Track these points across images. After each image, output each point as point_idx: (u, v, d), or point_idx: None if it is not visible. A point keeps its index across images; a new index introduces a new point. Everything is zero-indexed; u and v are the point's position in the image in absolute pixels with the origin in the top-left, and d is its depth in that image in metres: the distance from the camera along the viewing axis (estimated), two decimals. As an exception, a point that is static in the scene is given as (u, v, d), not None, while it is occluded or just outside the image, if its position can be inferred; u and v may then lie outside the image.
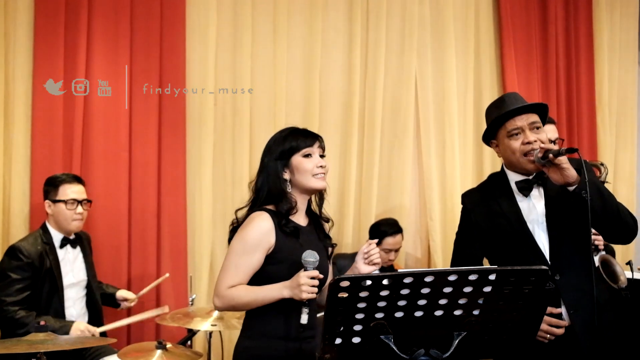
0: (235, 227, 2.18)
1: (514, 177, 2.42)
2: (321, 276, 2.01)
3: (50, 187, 3.25)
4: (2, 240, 3.51)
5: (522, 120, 2.32)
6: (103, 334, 3.18)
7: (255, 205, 2.17)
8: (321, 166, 2.15)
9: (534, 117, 2.35)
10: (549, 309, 2.24)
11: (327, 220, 2.30)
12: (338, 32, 4.36)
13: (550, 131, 3.02)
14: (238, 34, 4.09)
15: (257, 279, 2.09)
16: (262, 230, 2.07)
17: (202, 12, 4.01)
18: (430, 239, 4.47)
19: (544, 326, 2.22)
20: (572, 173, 2.19)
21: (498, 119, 2.38)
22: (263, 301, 2.05)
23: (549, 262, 2.29)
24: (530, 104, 2.36)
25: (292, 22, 4.23)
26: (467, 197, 2.57)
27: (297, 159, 2.14)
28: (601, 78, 4.91)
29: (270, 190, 2.14)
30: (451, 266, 2.53)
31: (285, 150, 2.15)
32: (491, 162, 4.60)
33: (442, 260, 4.40)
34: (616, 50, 5.02)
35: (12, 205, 3.55)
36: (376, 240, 2.26)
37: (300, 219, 2.19)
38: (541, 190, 2.38)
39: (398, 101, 4.44)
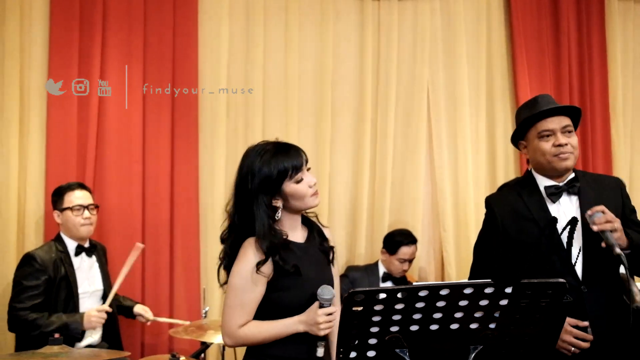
0: (223, 258, 2.09)
1: (543, 182, 2.35)
2: (335, 309, 1.95)
3: (56, 197, 3.27)
4: (17, 250, 3.53)
5: (554, 123, 2.28)
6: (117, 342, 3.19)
7: (237, 233, 2.05)
8: (314, 184, 2.05)
9: (567, 121, 2.30)
10: (576, 322, 2.19)
11: (315, 219, 2.19)
12: (349, 43, 4.38)
13: None
14: (250, 44, 4.12)
15: (262, 306, 2.02)
16: (251, 267, 1.97)
17: (215, 22, 4.05)
18: (444, 249, 4.44)
19: (569, 338, 2.17)
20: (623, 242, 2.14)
21: (529, 119, 2.32)
22: (277, 337, 1.99)
23: (579, 274, 2.23)
24: (563, 106, 2.31)
25: (303, 32, 4.25)
26: (493, 200, 2.47)
27: (289, 187, 2.00)
28: (615, 88, 4.87)
29: (252, 225, 1.99)
30: (472, 272, 2.46)
31: (273, 179, 1.97)
32: (504, 172, 4.57)
33: (455, 271, 4.37)
34: (629, 60, 4.99)
35: (27, 216, 3.59)
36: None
37: (297, 234, 2.10)
38: (572, 197, 2.32)
39: (410, 112, 4.44)
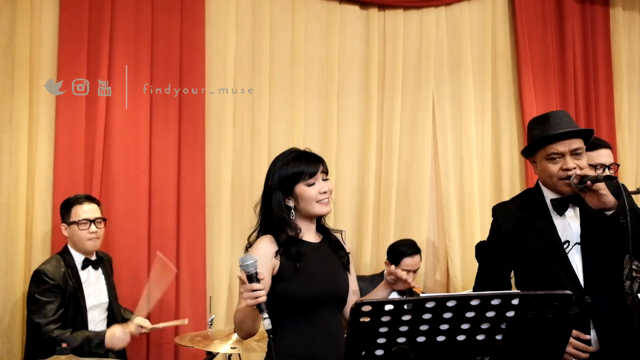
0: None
1: (549, 195, 2.35)
2: (261, 287, 1.93)
3: (64, 210, 3.26)
4: (24, 262, 3.52)
5: (564, 146, 2.25)
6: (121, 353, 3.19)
7: (262, 229, 2.22)
8: (325, 192, 2.18)
9: (577, 143, 2.26)
10: (578, 334, 2.20)
11: (337, 232, 2.32)
12: (355, 52, 4.40)
13: (605, 156, 2.93)
14: (256, 53, 4.14)
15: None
16: (262, 252, 2.11)
17: (221, 31, 4.06)
18: (449, 260, 4.44)
19: (569, 349, 2.17)
20: (609, 199, 2.14)
21: (539, 141, 2.30)
22: (244, 316, 2.06)
23: (582, 284, 2.25)
24: (574, 130, 2.26)
25: (309, 41, 4.28)
26: (499, 210, 2.48)
27: (300, 188, 2.17)
28: (620, 99, 4.88)
29: (272, 219, 2.18)
30: (476, 281, 2.48)
31: (288, 178, 2.17)
32: (509, 181, 4.58)
33: (461, 282, 4.37)
34: (635, 71, 5.00)
35: (35, 228, 3.58)
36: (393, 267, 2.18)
37: (311, 236, 2.23)
38: (577, 209, 2.32)
39: (415, 121, 4.46)
